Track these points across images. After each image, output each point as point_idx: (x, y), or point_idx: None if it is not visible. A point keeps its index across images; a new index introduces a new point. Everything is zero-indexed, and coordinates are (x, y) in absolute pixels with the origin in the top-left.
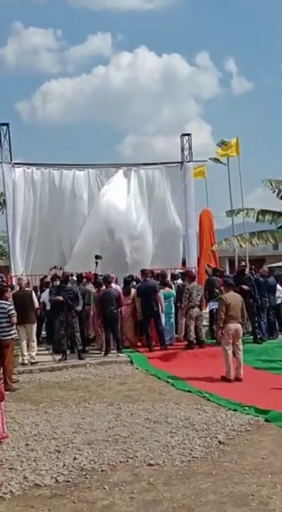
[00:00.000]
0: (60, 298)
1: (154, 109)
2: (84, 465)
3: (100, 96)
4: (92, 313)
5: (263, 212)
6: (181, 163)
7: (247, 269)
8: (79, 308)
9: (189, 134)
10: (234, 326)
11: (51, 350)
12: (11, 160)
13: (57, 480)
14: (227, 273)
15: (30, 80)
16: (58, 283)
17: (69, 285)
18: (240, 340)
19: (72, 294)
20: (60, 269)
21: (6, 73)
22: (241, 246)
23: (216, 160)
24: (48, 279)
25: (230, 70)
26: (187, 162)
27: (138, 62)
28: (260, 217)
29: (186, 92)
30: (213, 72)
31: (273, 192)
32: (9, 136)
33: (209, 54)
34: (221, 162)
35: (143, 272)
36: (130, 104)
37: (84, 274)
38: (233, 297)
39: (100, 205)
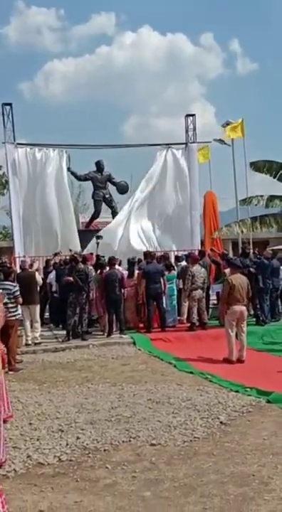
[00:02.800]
0: (70, 278)
1: (158, 90)
2: (87, 444)
3: (103, 76)
4: (94, 294)
5: (272, 197)
6: (186, 144)
7: (251, 251)
8: (91, 290)
9: (193, 115)
10: (239, 308)
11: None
12: (14, 140)
13: (60, 459)
14: (230, 256)
15: (33, 60)
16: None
17: (81, 266)
18: (244, 322)
19: (83, 275)
20: (70, 250)
21: (8, 52)
22: (242, 232)
23: (221, 141)
24: (56, 260)
25: (234, 50)
26: (191, 143)
27: (142, 42)
28: (269, 203)
29: (190, 72)
30: (218, 52)
31: (274, 177)
32: (12, 116)
33: (213, 34)
34: (225, 143)
35: (149, 254)
36: (134, 85)
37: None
38: (238, 279)
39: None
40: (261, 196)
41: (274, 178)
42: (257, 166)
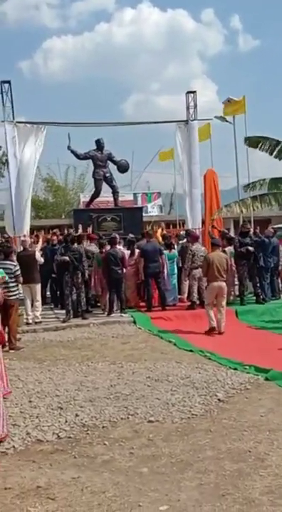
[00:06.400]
0: (66, 258)
1: (158, 67)
2: (85, 421)
3: (103, 53)
4: (95, 273)
5: (274, 180)
6: (186, 121)
7: (251, 230)
8: (86, 269)
9: (194, 92)
10: (218, 284)
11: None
12: (13, 118)
13: (59, 436)
14: (232, 234)
15: (32, 38)
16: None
17: (75, 245)
18: (224, 297)
19: (77, 254)
20: (66, 230)
21: (7, 30)
22: (242, 212)
23: (222, 118)
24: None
25: (235, 27)
26: (192, 120)
27: (142, 18)
28: (271, 186)
29: (191, 49)
30: (219, 29)
31: (271, 155)
32: (11, 94)
33: (214, 10)
34: (227, 121)
35: (147, 233)
36: (134, 62)
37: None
38: (216, 256)
39: None
40: (264, 180)
41: (270, 155)
42: (252, 142)
